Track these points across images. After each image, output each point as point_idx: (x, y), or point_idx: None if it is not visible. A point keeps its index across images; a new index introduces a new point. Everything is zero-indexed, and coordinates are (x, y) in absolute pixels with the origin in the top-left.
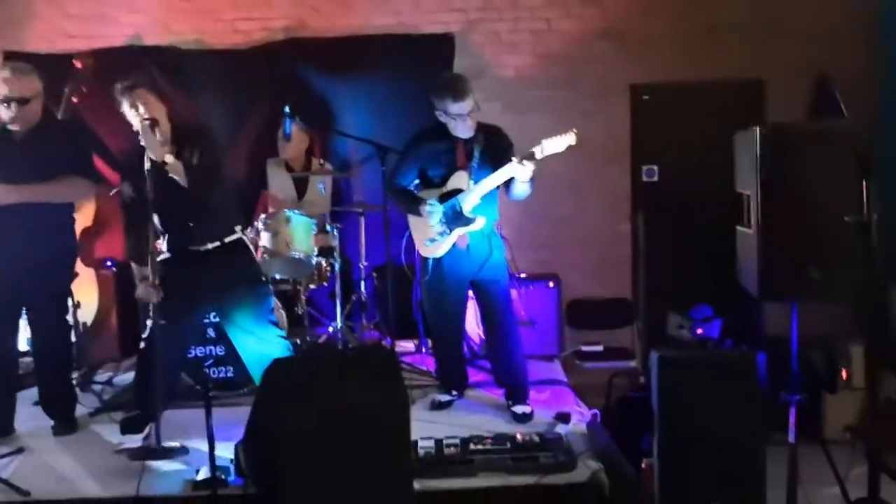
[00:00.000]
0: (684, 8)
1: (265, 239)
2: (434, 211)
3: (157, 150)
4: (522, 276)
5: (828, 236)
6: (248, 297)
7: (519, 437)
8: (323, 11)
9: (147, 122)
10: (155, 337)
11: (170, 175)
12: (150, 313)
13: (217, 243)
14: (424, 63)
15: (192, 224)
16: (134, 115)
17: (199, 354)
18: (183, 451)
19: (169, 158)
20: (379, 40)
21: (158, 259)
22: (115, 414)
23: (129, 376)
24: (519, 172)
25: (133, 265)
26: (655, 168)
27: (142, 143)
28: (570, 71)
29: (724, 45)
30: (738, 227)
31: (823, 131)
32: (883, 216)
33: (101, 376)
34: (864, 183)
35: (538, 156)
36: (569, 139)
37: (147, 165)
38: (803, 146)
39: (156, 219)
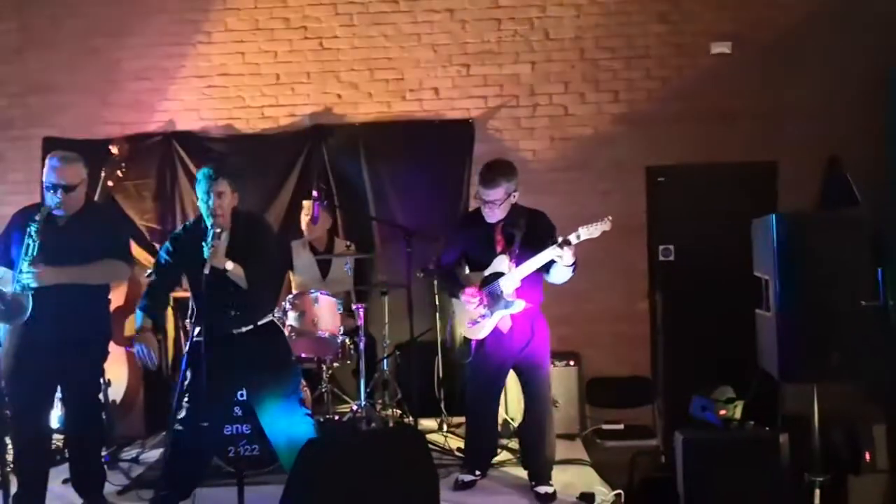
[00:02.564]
0: (696, 93)
1: (292, 318)
2: (470, 293)
3: (220, 258)
4: None
5: (845, 320)
6: (278, 377)
7: None
8: (347, 99)
9: (218, 232)
10: (191, 422)
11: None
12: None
13: (250, 326)
14: (445, 148)
15: (234, 312)
16: (204, 205)
17: (227, 433)
18: None
19: (230, 265)
20: (401, 126)
21: (190, 341)
22: (143, 491)
23: (155, 454)
24: (557, 256)
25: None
26: (672, 248)
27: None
28: (587, 154)
29: (736, 129)
30: (757, 311)
31: (837, 218)
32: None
33: (129, 453)
34: (877, 269)
35: (574, 241)
36: (604, 226)
37: (206, 270)
38: (818, 233)
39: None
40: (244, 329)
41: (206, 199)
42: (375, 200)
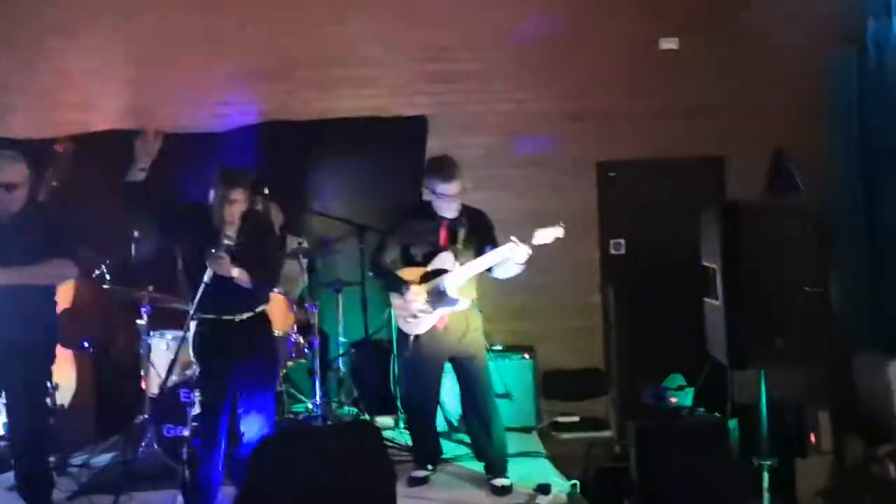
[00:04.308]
0: (645, 89)
1: None
2: (415, 291)
3: (226, 268)
4: (498, 348)
5: (790, 306)
6: (266, 367)
7: None
8: (299, 96)
9: (228, 245)
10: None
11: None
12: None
13: (250, 314)
14: (399, 144)
15: (235, 301)
16: (219, 211)
17: (180, 433)
18: None
19: (235, 272)
20: (354, 122)
21: (188, 332)
22: (95, 497)
23: (106, 458)
24: (516, 254)
25: None
26: (623, 241)
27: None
28: (539, 150)
29: (684, 124)
30: (706, 299)
31: (781, 207)
32: (842, 285)
33: (78, 459)
34: (821, 255)
35: (534, 241)
36: (557, 231)
37: (207, 278)
38: (763, 221)
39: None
40: (245, 316)
41: (217, 203)
42: (329, 197)
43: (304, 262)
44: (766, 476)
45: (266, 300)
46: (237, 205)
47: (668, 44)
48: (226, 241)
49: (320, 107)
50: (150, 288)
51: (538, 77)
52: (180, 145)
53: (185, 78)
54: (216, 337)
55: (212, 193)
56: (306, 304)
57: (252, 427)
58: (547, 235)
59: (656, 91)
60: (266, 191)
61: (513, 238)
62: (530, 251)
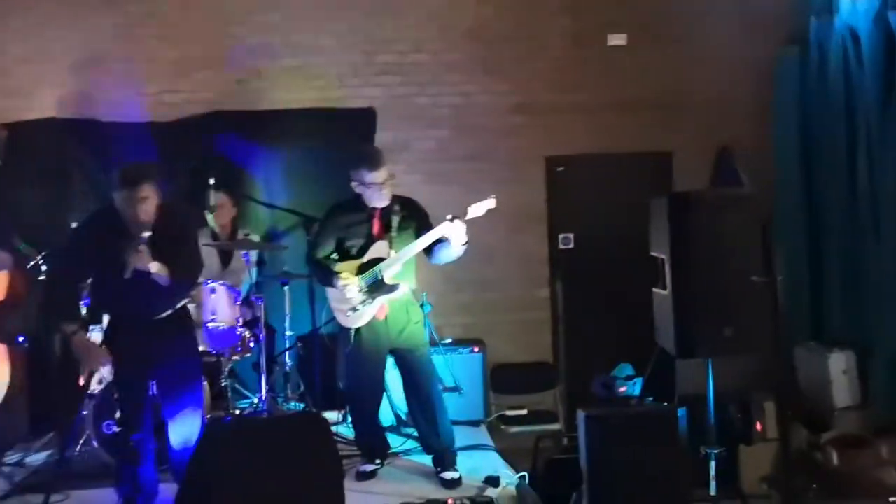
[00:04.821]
0: (594, 84)
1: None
2: (350, 283)
3: (144, 262)
4: (447, 341)
5: (737, 296)
6: (189, 366)
7: (450, 502)
8: (247, 86)
9: (146, 237)
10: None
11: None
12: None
13: (169, 311)
14: (347, 136)
15: (153, 298)
16: (131, 213)
17: (116, 430)
18: None
19: (154, 268)
20: (302, 114)
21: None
22: (29, 496)
23: (41, 457)
24: (451, 232)
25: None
26: (571, 236)
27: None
28: (488, 143)
29: (633, 119)
30: (654, 289)
31: (729, 198)
32: (783, 278)
33: (11, 458)
34: (766, 246)
35: (464, 217)
36: (489, 203)
37: (128, 274)
38: (711, 212)
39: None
40: (164, 315)
41: (127, 205)
42: (276, 189)
43: (253, 253)
44: (712, 464)
45: (186, 297)
46: (149, 201)
47: (617, 40)
48: (145, 234)
49: (269, 97)
50: (89, 280)
51: (487, 71)
52: (121, 135)
53: (128, 65)
54: (133, 336)
55: (116, 197)
56: (252, 297)
57: (184, 424)
58: (480, 209)
59: (605, 86)
60: (212, 181)
61: (448, 216)
62: (464, 226)
